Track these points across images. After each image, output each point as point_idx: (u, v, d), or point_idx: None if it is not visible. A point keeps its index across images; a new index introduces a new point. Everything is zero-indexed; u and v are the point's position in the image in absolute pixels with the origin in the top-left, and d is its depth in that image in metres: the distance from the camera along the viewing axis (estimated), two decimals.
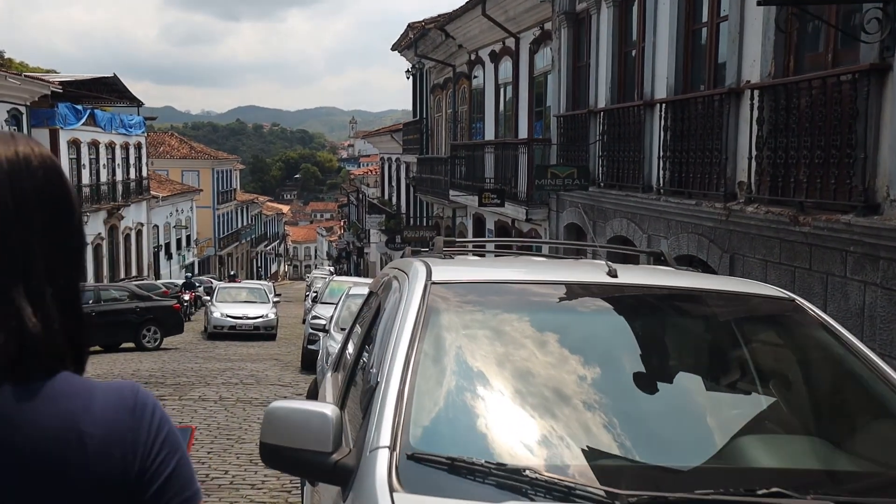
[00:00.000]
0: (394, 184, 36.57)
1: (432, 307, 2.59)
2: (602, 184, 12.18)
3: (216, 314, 24.37)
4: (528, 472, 1.94)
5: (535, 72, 16.40)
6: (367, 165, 65.53)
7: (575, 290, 2.88)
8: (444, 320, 2.59)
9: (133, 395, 1.20)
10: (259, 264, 77.89)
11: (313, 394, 10.90)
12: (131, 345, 20.69)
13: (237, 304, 25.36)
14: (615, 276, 2.88)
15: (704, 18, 9.55)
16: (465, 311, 2.68)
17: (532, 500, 1.88)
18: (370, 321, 3.23)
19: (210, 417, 11.24)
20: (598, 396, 2.37)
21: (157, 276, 44.54)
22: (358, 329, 3.92)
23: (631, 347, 2.69)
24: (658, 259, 3.60)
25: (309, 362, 16.25)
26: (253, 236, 74.39)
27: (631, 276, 2.99)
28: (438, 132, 26.49)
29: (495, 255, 4.37)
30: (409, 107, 34.85)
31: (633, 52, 11.61)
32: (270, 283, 43.09)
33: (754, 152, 7.84)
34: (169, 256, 49.63)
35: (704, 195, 9.02)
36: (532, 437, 2.21)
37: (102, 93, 41.07)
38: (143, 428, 1.18)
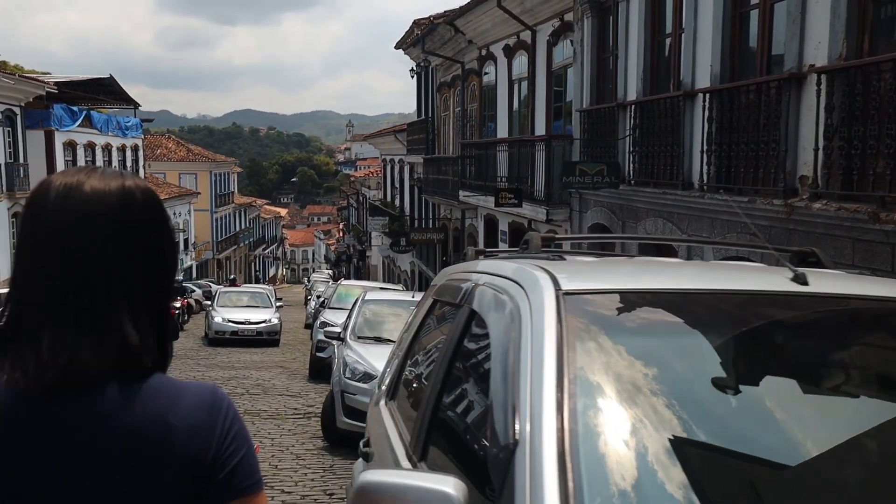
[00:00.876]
0: (397, 185, 35.83)
1: (574, 328, 1.84)
2: (633, 181, 11.44)
3: (217, 319, 23.43)
4: None
5: (553, 66, 15.68)
6: (364, 168, 64.74)
7: (760, 304, 2.12)
8: (599, 347, 1.84)
9: (212, 396, 1.40)
10: (257, 268, 77.09)
11: (329, 407, 10.16)
12: None
13: (239, 308, 24.37)
14: (805, 283, 2.13)
15: (754, 0, 8.81)
16: (623, 334, 1.94)
17: None
18: (456, 343, 2.47)
19: None
20: (848, 462, 1.63)
21: None
22: (425, 349, 3.17)
23: (876, 388, 1.94)
24: (805, 259, 2.82)
25: (318, 370, 15.52)
26: (251, 240, 73.58)
27: (826, 283, 2.23)
28: (445, 132, 25.75)
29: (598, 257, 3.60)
30: (407, 110, 34.37)
31: (669, 41, 10.88)
32: (272, 287, 42.26)
33: (821, 142, 7.11)
34: None
35: (756, 191, 8.29)
36: None
37: (98, 94, 40.31)
38: (218, 424, 1.37)
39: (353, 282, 21.77)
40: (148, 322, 1.39)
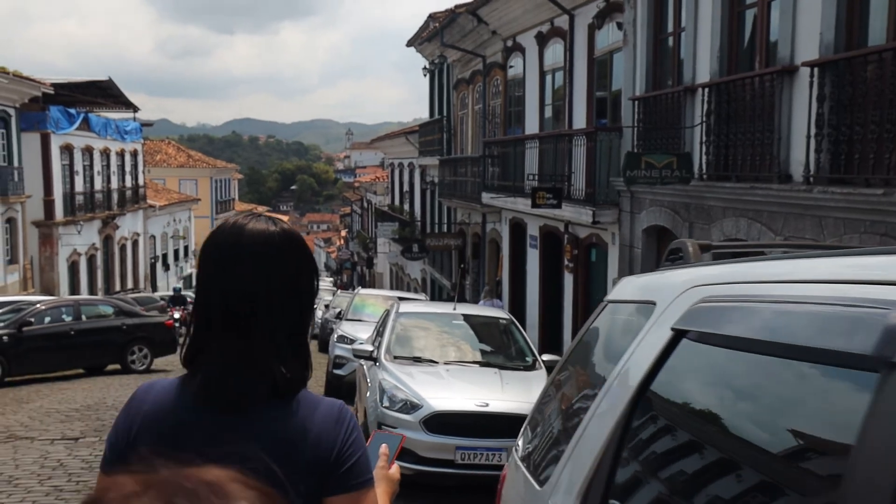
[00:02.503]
0: (406, 189, 34.32)
1: None
2: (706, 175, 9.94)
3: None
4: None
5: (595, 52, 14.19)
6: (364, 176, 63.23)
7: None
8: None
9: (339, 410, 1.72)
10: None
11: None
12: (117, 367, 18.02)
13: None
14: None
15: None
16: None
17: None
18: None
19: None
20: None
21: (154, 289, 42.29)
22: (709, 432, 1.66)
23: None
24: None
25: (335, 390, 13.99)
26: None
27: None
28: (463, 131, 24.26)
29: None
30: (406, 119, 33.23)
31: (753, 12, 9.40)
32: None
33: None
34: (166, 268, 47.33)
35: (888, 181, 6.79)
36: None
37: (97, 97, 38.86)
38: (341, 431, 1.68)
39: (371, 291, 19.84)
40: (290, 349, 1.70)
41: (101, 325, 17.64)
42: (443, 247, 23.93)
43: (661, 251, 12.10)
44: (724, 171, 9.52)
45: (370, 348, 9.04)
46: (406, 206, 34.08)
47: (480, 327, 9.84)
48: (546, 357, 9.18)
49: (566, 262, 15.38)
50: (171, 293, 30.09)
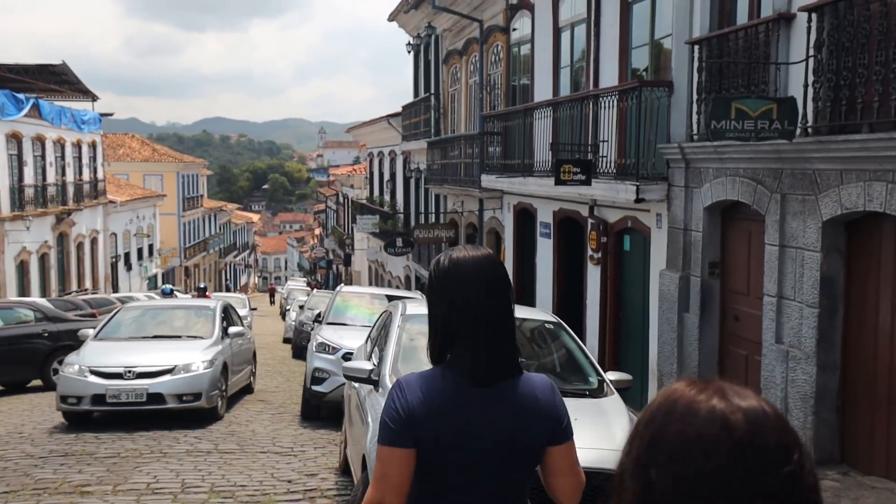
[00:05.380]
0: (388, 179, 31.64)
1: None
2: (811, 128, 7.43)
3: (70, 370, 10.96)
4: None
5: None
6: (338, 169, 60.56)
7: None
8: None
9: (551, 383, 2.55)
10: (228, 276, 72.36)
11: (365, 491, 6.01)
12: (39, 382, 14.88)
13: (134, 343, 11.79)
14: None
15: None
16: None
17: None
18: None
19: None
20: None
21: (116, 290, 39.27)
22: None
23: None
24: None
25: (313, 410, 11.36)
26: (221, 246, 68.79)
27: None
28: (455, 109, 21.65)
29: None
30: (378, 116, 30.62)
31: None
32: (244, 296, 37.78)
33: None
34: (129, 267, 44.21)
35: None
36: None
37: (50, 83, 35.82)
38: (556, 398, 2.51)
39: (355, 289, 16.76)
40: (516, 346, 2.52)
41: (15, 332, 14.64)
42: (433, 239, 21.22)
43: (728, 234, 9.59)
44: (847, 119, 7.01)
45: (368, 367, 6.35)
46: (387, 198, 31.41)
47: (518, 334, 7.26)
48: (612, 376, 6.59)
49: (590, 253, 12.84)
50: (159, 294, 24.22)
